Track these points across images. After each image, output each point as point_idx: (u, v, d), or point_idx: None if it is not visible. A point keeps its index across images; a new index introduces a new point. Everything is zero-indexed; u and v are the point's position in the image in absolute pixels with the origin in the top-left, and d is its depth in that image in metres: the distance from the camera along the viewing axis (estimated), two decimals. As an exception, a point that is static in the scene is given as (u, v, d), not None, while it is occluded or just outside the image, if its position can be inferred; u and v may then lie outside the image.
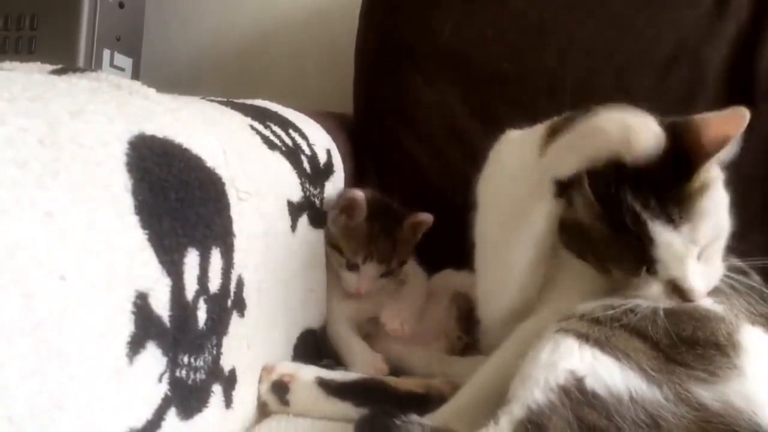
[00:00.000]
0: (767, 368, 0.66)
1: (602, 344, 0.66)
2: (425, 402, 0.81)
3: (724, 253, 0.78)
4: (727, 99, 1.18)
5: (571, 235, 0.78)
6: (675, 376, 0.64)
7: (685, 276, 0.71)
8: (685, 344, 0.66)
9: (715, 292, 0.74)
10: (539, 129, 0.86)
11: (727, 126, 0.70)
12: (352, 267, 1.10)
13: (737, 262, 0.83)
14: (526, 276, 0.83)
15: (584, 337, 0.67)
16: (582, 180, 0.72)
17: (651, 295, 0.73)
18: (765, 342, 0.70)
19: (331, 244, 1.12)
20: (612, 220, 0.71)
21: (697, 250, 0.71)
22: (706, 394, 0.64)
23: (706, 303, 0.72)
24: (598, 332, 0.67)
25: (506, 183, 0.89)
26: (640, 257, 0.71)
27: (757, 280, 0.82)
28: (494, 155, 0.96)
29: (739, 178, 1.18)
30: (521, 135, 0.92)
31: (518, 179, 0.84)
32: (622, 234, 0.71)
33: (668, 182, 0.71)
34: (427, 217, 1.15)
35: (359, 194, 1.09)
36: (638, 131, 0.69)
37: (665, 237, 0.70)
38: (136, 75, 1.68)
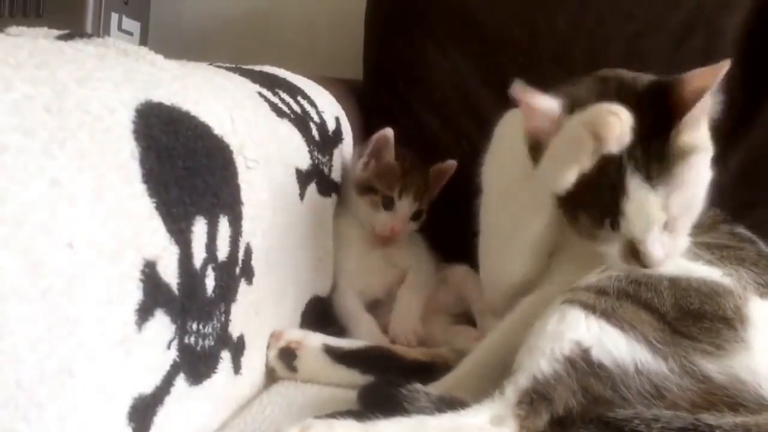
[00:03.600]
0: (775, 342, 0.67)
1: (609, 315, 0.66)
2: (431, 370, 0.82)
3: (732, 222, 0.77)
4: (742, 68, 1.16)
5: None
6: (681, 348, 0.65)
7: (646, 239, 0.71)
8: (692, 317, 0.67)
9: (723, 262, 0.74)
10: None
11: (705, 77, 0.69)
12: (388, 204, 1.13)
13: (746, 232, 0.83)
14: (527, 265, 0.85)
15: (591, 308, 0.67)
16: None
17: (609, 256, 0.74)
18: (773, 315, 0.70)
19: (362, 189, 1.14)
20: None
21: (664, 218, 0.71)
22: (711, 366, 0.64)
23: (715, 275, 0.71)
24: (605, 303, 0.67)
25: (508, 162, 0.89)
26: (609, 207, 0.71)
27: (765, 250, 0.81)
28: (497, 135, 0.96)
29: (751, 149, 1.18)
30: (516, 117, 0.92)
31: (520, 159, 0.83)
32: (600, 179, 0.70)
33: (655, 137, 0.70)
34: (450, 164, 1.20)
35: (388, 131, 1.12)
36: (607, 127, 0.66)
37: (639, 192, 0.70)
38: (144, 39, 1.67)
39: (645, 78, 0.77)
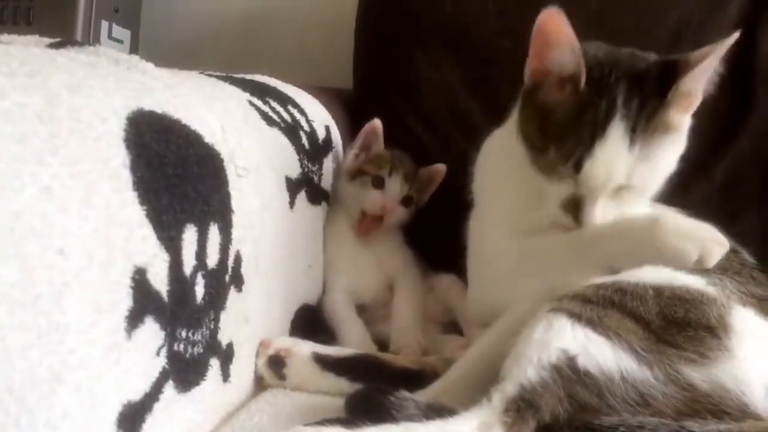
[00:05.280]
0: (757, 350, 0.67)
1: (594, 324, 0.67)
2: (420, 378, 0.82)
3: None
4: (727, 80, 1.17)
5: (530, 119, 0.83)
6: (665, 356, 0.65)
7: (596, 197, 0.77)
8: (677, 326, 0.67)
9: (707, 271, 0.75)
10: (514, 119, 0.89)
11: (710, 48, 0.75)
12: (378, 183, 1.15)
13: (729, 242, 0.84)
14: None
15: (577, 317, 0.68)
16: (581, 67, 0.76)
17: (550, 199, 0.80)
18: (756, 324, 0.71)
19: (353, 175, 1.17)
20: (586, 99, 0.76)
21: (622, 181, 0.76)
22: (695, 374, 0.65)
23: (699, 284, 0.72)
24: (591, 312, 0.68)
25: (502, 182, 0.92)
26: (583, 143, 0.75)
27: (748, 259, 0.83)
28: (487, 151, 0.98)
29: (737, 159, 1.20)
30: (503, 136, 0.95)
31: (507, 178, 0.87)
32: (587, 113, 0.75)
33: (655, 100, 0.76)
34: (440, 168, 1.23)
35: (376, 121, 1.17)
36: (714, 256, 0.73)
37: (618, 141, 0.74)
38: (134, 47, 1.67)
39: (656, 56, 0.82)
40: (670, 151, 0.78)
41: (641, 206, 0.81)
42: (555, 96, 0.79)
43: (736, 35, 0.73)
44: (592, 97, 0.76)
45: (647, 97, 0.76)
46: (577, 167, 0.76)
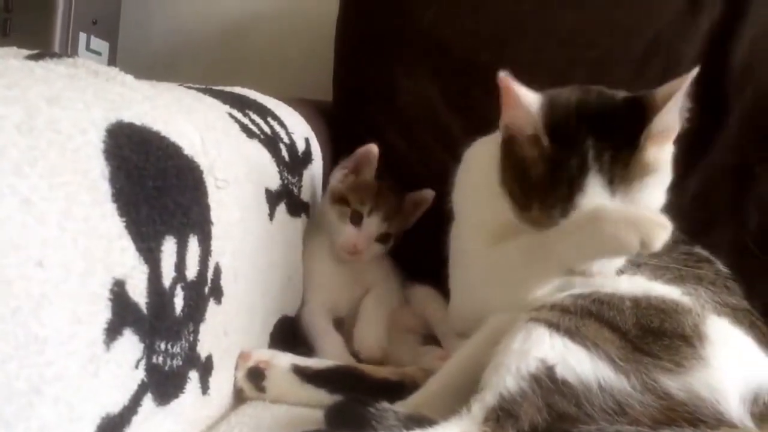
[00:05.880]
0: (731, 359, 0.69)
1: (572, 333, 0.68)
2: (400, 389, 0.82)
3: (690, 242, 0.80)
4: (700, 94, 1.20)
5: (510, 171, 0.82)
6: (642, 365, 0.66)
7: None
8: (653, 335, 0.68)
9: (683, 282, 0.76)
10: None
11: (674, 84, 0.74)
12: (356, 219, 1.12)
13: (703, 252, 0.85)
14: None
15: (555, 327, 0.69)
16: (539, 130, 0.76)
17: None
18: (730, 333, 0.73)
19: (335, 199, 1.14)
20: (555, 158, 0.75)
21: None
22: (671, 383, 0.66)
23: (675, 295, 0.74)
24: (569, 321, 0.69)
25: (482, 194, 0.91)
26: (564, 201, 0.75)
27: (721, 269, 0.84)
28: (467, 163, 0.98)
29: (710, 171, 1.22)
30: (484, 147, 0.96)
31: (493, 190, 0.86)
32: (561, 173, 0.75)
33: (626, 147, 0.75)
34: (429, 194, 1.19)
35: (373, 146, 1.13)
36: (657, 238, 0.71)
37: (597, 194, 0.74)
38: (112, 59, 1.66)
39: (624, 93, 0.81)
40: (654, 189, 0.77)
41: None
42: (529, 152, 0.78)
43: (695, 70, 0.72)
44: (561, 156, 0.75)
45: (619, 147, 0.75)
46: (564, 215, 0.75)
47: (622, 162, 0.74)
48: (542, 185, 0.76)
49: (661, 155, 0.77)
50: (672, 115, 0.75)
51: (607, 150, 0.74)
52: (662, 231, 0.71)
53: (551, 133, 0.76)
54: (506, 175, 0.82)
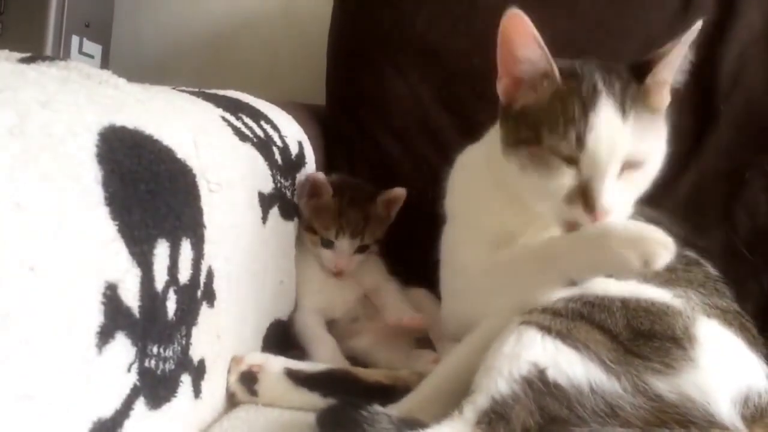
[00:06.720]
0: (721, 360, 0.69)
1: (564, 336, 0.68)
2: (393, 393, 0.82)
3: (681, 245, 0.81)
4: (691, 98, 1.21)
5: (514, 129, 0.83)
6: (633, 367, 0.66)
7: (603, 179, 0.76)
8: (644, 337, 0.69)
9: (672, 284, 0.77)
10: (492, 137, 0.89)
11: (677, 40, 0.78)
12: (328, 244, 1.14)
13: (693, 255, 0.86)
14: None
15: (546, 329, 0.69)
16: (552, 70, 0.79)
17: (553, 204, 0.78)
18: (720, 335, 0.73)
19: (306, 228, 1.15)
20: (566, 88, 0.78)
21: (628, 150, 0.76)
22: (662, 385, 0.66)
23: (665, 297, 0.74)
24: (560, 324, 0.69)
25: (474, 198, 0.93)
26: (578, 122, 0.76)
27: (712, 271, 0.85)
28: (460, 168, 0.99)
29: (701, 175, 1.22)
30: (475, 152, 0.97)
31: (482, 192, 0.88)
32: (568, 101, 0.77)
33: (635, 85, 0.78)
34: (400, 192, 1.19)
35: (319, 175, 1.15)
36: (659, 259, 0.72)
37: (609, 114, 0.76)
38: (105, 62, 1.66)
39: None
40: (659, 133, 0.80)
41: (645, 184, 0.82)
42: (533, 97, 0.81)
43: (699, 24, 0.76)
44: (572, 84, 0.78)
45: (627, 82, 0.78)
46: (580, 143, 0.75)
47: (632, 92, 0.77)
48: (552, 114, 0.78)
49: (661, 107, 0.81)
50: (674, 66, 0.80)
51: (616, 81, 0.78)
52: (665, 251, 0.72)
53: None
54: (512, 132, 0.84)
